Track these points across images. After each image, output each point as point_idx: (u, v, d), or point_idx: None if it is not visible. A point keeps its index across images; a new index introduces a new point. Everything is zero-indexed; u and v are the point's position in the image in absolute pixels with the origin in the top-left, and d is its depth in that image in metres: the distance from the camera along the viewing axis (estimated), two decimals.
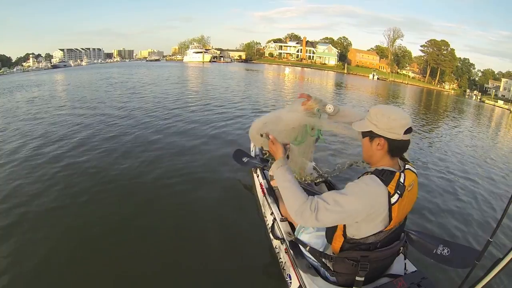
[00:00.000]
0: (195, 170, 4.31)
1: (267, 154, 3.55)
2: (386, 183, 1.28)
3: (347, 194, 1.28)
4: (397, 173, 1.31)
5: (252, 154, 3.85)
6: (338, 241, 1.47)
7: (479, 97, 43.64)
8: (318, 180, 2.80)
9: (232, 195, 3.62)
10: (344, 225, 1.39)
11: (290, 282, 1.89)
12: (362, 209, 1.27)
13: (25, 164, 4.42)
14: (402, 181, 1.29)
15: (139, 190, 3.70)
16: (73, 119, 7.57)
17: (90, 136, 5.85)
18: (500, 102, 35.63)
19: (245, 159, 3.47)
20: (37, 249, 2.58)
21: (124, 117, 7.70)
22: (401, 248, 1.55)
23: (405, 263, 1.68)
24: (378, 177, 1.29)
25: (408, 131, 1.31)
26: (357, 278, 1.45)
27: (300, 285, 1.73)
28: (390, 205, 1.28)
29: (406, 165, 1.40)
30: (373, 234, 1.36)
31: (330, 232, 1.52)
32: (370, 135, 1.39)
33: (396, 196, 1.28)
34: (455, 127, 11.89)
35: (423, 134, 8.93)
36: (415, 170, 1.40)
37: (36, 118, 7.77)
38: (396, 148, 1.35)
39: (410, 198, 1.36)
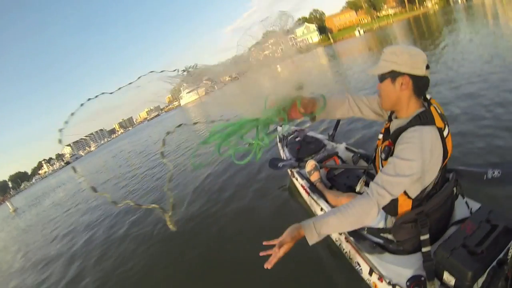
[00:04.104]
0: (241, 195, 4.51)
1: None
2: (432, 122, 1.19)
3: (409, 159, 1.15)
4: (431, 107, 1.23)
5: (284, 158, 3.91)
6: (405, 206, 1.37)
7: None
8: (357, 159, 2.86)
9: (281, 207, 3.72)
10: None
11: (361, 269, 1.84)
12: (425, 161, 1.18)
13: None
14: (439, 112, 1.24)
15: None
16: (105, 206, 7.69)
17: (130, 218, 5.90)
18: None
19: (280, 164, 3.49)
20: None
21: (150, 181, 8.13)
22: (455, 188, 1.46)
23: (467, 203, 1.57)
24: (421, 123, 1.18)
25: (428, 67, 1.21)
26: (422, 238, 1.34)
27: (370, 267, 1.67)
28: (444, 139, 1.21)
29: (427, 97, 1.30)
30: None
31: (391, 205, 1.34)
32: (392, 75, 1.24)
33: (446, 129, 1.23)
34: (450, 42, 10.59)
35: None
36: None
37: (72, 224, 7.76)
38: (423, 86, 1.24)
39: None
